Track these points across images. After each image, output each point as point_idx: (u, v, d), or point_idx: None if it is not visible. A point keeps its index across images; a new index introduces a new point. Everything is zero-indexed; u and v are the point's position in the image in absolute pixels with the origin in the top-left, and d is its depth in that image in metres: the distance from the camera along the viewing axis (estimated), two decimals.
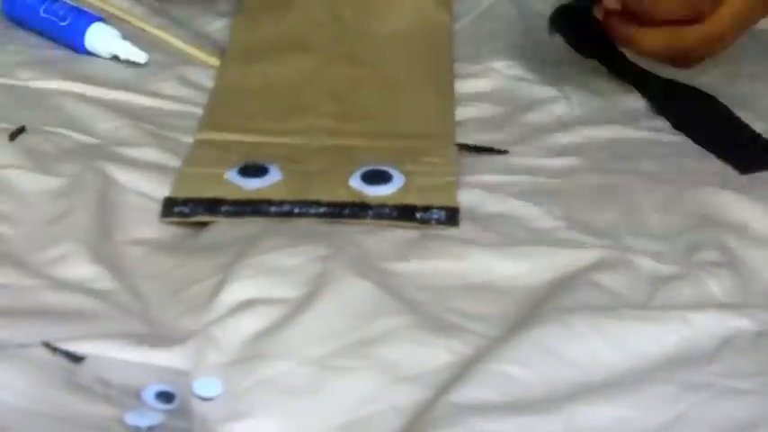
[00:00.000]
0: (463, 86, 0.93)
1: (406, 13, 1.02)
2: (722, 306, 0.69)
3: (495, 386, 0.61)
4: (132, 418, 0.59)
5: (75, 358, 0.62)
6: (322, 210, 0.77)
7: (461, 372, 0.63)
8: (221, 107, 0.89)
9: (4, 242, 0.72)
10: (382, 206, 0.77)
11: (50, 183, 0.77)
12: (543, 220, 0.76)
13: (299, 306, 0.67)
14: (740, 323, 0.68)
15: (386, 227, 0.75)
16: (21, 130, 0.81)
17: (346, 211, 0.77)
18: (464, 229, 0.76)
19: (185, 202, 0.77)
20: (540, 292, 0.70)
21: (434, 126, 0.89)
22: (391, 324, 0.66)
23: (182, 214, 0.77)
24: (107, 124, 0.85)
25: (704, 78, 0.94)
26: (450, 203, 0.78)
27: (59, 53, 0.94)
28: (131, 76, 0.92)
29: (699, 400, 0.62)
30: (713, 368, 0.64)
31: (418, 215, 0.77)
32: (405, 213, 0.77)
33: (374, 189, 0.79)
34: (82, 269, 0.70)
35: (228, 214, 0.76)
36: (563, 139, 0.87)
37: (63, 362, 0.62)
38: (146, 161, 0.81)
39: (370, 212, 0.77)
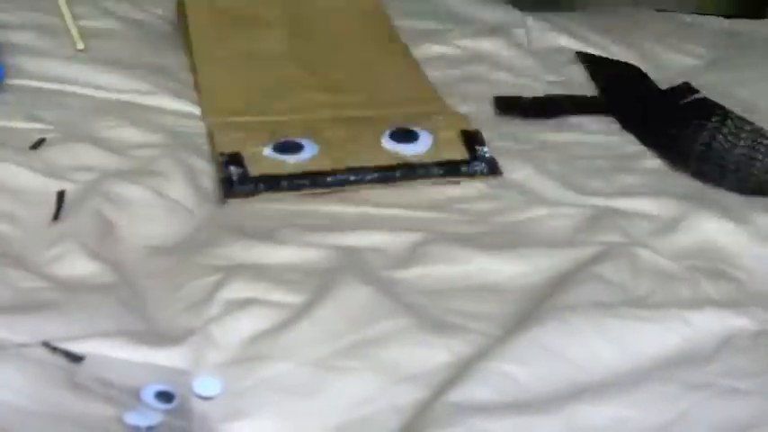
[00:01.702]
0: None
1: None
2: (721, 305, 0.69)
3: (495, 385, 0.61)
4: (132, 418, 0.59)
5: (75, 358, 0.62)
6: (375, 175, 0.80)
7: (461, 371, 0.63)
8: (217, 88, 0.91)
9: (4, 241, 0.71)
10: (426, 165, 0.81)
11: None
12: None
13: (299, 308, 0.67)
14: (740, 322, 0.68)
15: (395, 230, 0.76)
16: (41, 141, 0.81)
17: (397, 174, 0.81)
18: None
19: (243, 180, 0.79)
20: (541, 289, 0.70)
21: (418, 90, 0.94)
22: (391, 325, 0.66)
23: (245, 193, 0.79)
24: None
25: (709, 77, 0.95)
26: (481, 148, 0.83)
27: None
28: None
29: (698, 400, 0.62)
30: (712, 368, 0.64)
31: (463, 169, 0.82)
32: (450, 170, 0.81)
33: (408, 147, 0.82)
34: (82, 267, 0.71)
35: (290, 188, 0.79)
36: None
37: (63, 362, 0.62)
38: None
39: (420, 172, 0.81)
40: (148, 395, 0.61)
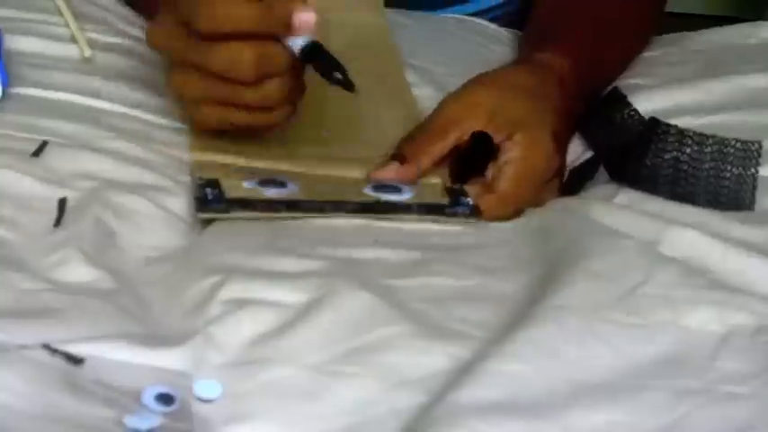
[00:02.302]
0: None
1: (346, 32, 1.00)
2: (719, 302, 0.69)
3: (495, 384, 0.61)
4: (132, 421, 0.59)
5: (75, 360, 0.62)
6: (354, 206, 0.79)
7: (461, 372, 0.63)
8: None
9: (5, 245, 0.71)
10: (408, 205, 0.80)
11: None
12: None
13: (300, 312, 0.67)
14: (738, 319, 0.68)
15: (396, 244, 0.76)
16: (43, 146, 0.80)
17: (377, 207, 0.79)
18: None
19: (217, 200, 0.78)
20: (537, 289, 0.71)
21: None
22: (391, 331, 0.66)
23: (217, 210, 0.77)
24: None
25: None
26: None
27: None
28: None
29: (696, 406, 0.62)
30: (710, 375, 0.64)
31: (446, 210, 0.80)
32: (432, 209, 0.80)
33: (390, 195, 0.81)
34: (82, 273, 0.71)
35: (264, 209, 0.77)
36: None
37: (63, 364, 0.62)
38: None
39: (400, 207, 0.80)
40: (149, 397, 0.61)
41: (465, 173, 0.84)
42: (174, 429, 0.60)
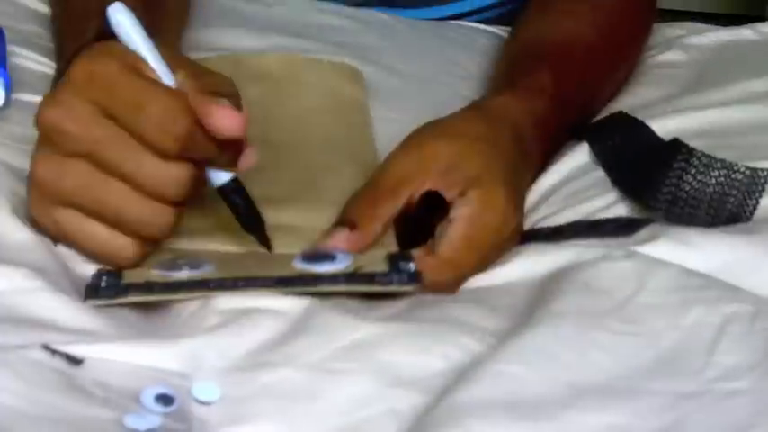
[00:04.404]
0: None
1: (318, 91, 0.92)
2: (714, 299, 0.69)
3: (495, 384, 0.62)
4: (131, 421, 0.59)
5: (75, 361, 0.62)
6: (267, 282, 0.69)
7: (460, 373, 0.63)
8: None
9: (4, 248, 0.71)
10: (335, 277, 0.70)
11: None
12: None
13: (299, 314, 0.67)
14: (734, 308, 0.68)
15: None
16: None
17: (296, 280, 0.69)
18: None
19: (112, 286, 0.68)
20: (533, 296, 0.71)
21: None
22: (388, 329, 0.66)
23: (109, 295, 0.68)
24: None
25: None
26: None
27: None
28: None
29: (695, 407, 0.62)
30: (709, 373, 0.64)
31: (378, 278, 0.70)
32: (362, 279, 0.70)
33: (322, 266, 0.70)
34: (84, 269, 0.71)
35: (161, 291, 0.68)
36: None
37: (62, 364, 0.62)
38: None
39: (324, 280, 0.69)
40: (148, 398, 0.61)
41: (413, 236, 0.75)
42: (174, 430, 0.60)
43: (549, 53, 0.93)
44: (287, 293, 0.68)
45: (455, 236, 0.73)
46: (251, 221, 0.73)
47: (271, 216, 0.74)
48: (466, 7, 1.15)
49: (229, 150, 0.70)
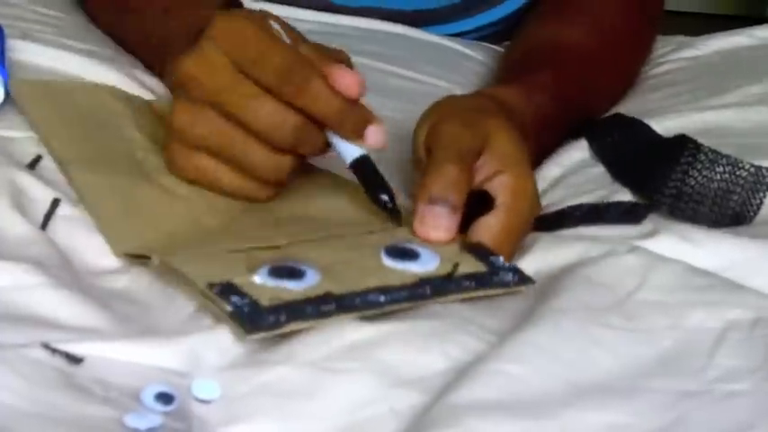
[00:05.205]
0: None
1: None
2: (716, 302, 0.69)
3: (494, 384, 0.61)
4: (131, 420, 0.59)
5: (74, 359, 0.62)
6: (405, 293, 0.68)
7: (460, 372, 0.63)
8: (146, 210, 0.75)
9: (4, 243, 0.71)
10: (457, 278, 0.69)
11: None
12: None
13: None
14: (735, 314, 0.68)
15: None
16: (38, 160, 0.78)
17: (428, 291, 0.68)
18: None
19: (255, 310, 0.64)
20: (535, 294, 0.71)
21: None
22: (388, 329, 0.66)
23: (268, 326, 0.64)
24: None
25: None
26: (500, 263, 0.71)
27: None
28: None
29: (695, 406, 0.62)
30: (709, 374, 0.64)
31: (495, 279, 0.70)
32: (481, 281, 0.70)
33: (415, 265, 0.70)
34: None
35: (316, 315, 0.65)
36: None
37: (62, 363, 0.61)
38: None
39: (451, 286, 0.69)
40: (148, 397, 0.61)
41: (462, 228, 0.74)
42: (174, 429, 0.60)
43: (550, 57, 0.94)
44: (414, 307, 0.68)
45: (494, 226, 0.73)
46: (381, 194, 0.75)
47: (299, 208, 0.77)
48: (467, 26, 1.17)
49: (354, 116, 0.73)
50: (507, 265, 0.72)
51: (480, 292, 0.70)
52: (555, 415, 0.60)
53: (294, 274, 0.67)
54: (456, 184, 0.73)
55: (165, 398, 0.61)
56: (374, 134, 0.74)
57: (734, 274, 0.72)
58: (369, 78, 0.88)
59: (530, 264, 0.74)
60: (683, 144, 0.81)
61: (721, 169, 0.80)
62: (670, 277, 0.70)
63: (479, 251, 0.72)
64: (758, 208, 0.79)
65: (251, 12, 0.77)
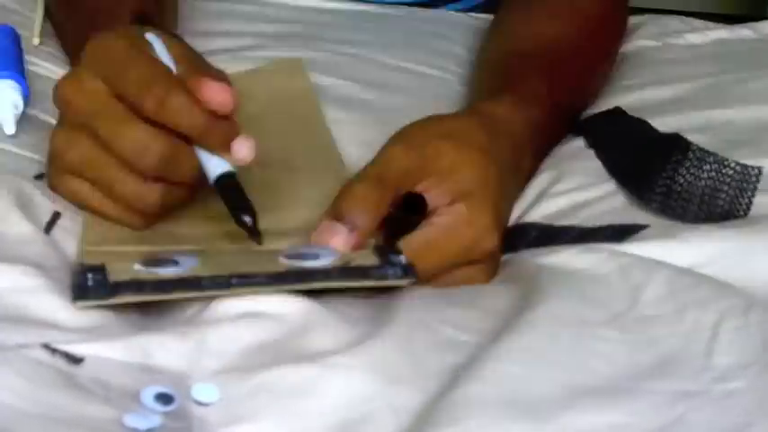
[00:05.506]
0: None
1: (266, 97, 0.92)
2: (708, 299, 0.69)
3: (494, 384, 0.62)
4: (131, 420, 0.59)
5: (75, 360, 0.62)
6: (263, 278, 0.67)
7: (459, 371, 0.63)
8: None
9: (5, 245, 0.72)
10: (328, 271, 0.68)
11: None
12: None
13: (297, 315, 0.67)
14: (729, 302, 0.68)
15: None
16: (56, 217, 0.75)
17: (291, 278, 0.67)
18: None
19: (100, 285, 0.66)
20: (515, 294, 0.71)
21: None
22: (387, 329, 0.66)
23: (99, 296, 0.66)
24: None
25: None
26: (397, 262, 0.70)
27: None
28: None
29: (693, 407, 0.62)
30: (707, 374, 0.64)
31: (373, 272, 0.69)
32: (357, 273, 0.68)
33: (309, 263, 0.69)
34: None
35: (153, 291, 0.66)
36: None
37: (62, 363, 0.62)
38: None
39: (318, 276, 0.68)
40: (148, 397, 0.61)
41: (397, 233, 0.73)
42: (174, 429, 0.60)
43: (540, 58, 0.93)
44: (281, 291, 0.68)
45: (416, 238, 0.72)
46: (243, 214, 0.72)
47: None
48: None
49: (219, 130, 0.71)
50: (402, 262, 0.70)
51: (353, 282, 0.68)
52: (555, 414, 0.60)
53: (167, 263, 0.69)
54: (363, 203, 0.71)
55: (164, 398, 0.61)
56: (241, 147, 0.71)
57: (719, 268, 0.72)
58: (366, 74, 0.89)
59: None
60: (674, 142, 0.82)
61: (708, 167, 0.80)
62: (661, 287, 0.70)
63: (384, 249, 0.71)
64: (748, 207, 0.79)
65: (132, 29, 0.76)
